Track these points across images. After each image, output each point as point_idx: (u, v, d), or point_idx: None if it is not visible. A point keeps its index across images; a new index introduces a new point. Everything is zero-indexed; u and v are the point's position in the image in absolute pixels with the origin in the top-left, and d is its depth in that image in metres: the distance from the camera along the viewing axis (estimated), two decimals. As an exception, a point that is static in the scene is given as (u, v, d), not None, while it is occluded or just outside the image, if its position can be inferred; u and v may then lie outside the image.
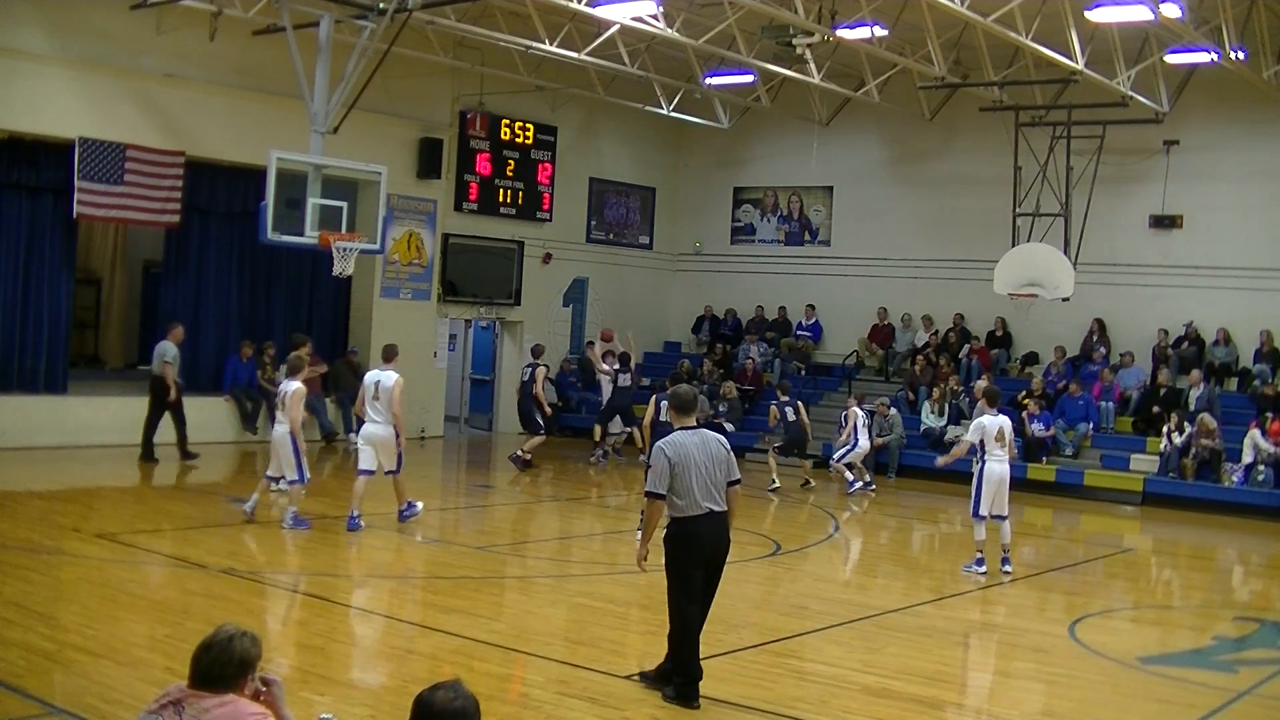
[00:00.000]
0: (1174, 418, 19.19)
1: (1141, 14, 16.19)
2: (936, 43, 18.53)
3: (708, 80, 22.38)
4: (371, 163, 17.29)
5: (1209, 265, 21.25)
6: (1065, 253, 20.23)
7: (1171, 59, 19.27)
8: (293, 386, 12.94)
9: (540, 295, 25.01)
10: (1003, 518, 12.59)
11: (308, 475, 13.13)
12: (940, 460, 14.49)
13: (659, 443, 7.77)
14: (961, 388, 21.78)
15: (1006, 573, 12.59)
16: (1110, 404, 20.69)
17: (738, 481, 7.84)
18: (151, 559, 11.29)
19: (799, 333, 25.49)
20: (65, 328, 18.99)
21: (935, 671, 8.87)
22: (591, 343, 23.90)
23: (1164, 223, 21.76)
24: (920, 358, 23.26)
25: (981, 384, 18.61)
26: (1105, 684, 8.81)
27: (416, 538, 13.27)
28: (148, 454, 17.39)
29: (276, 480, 14.79)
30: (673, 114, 24.27)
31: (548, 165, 24.64)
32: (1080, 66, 17.73)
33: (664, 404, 14.24)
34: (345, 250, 16.49)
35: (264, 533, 13.11)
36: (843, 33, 17.44)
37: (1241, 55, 18.14)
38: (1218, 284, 21.14)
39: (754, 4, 16.56)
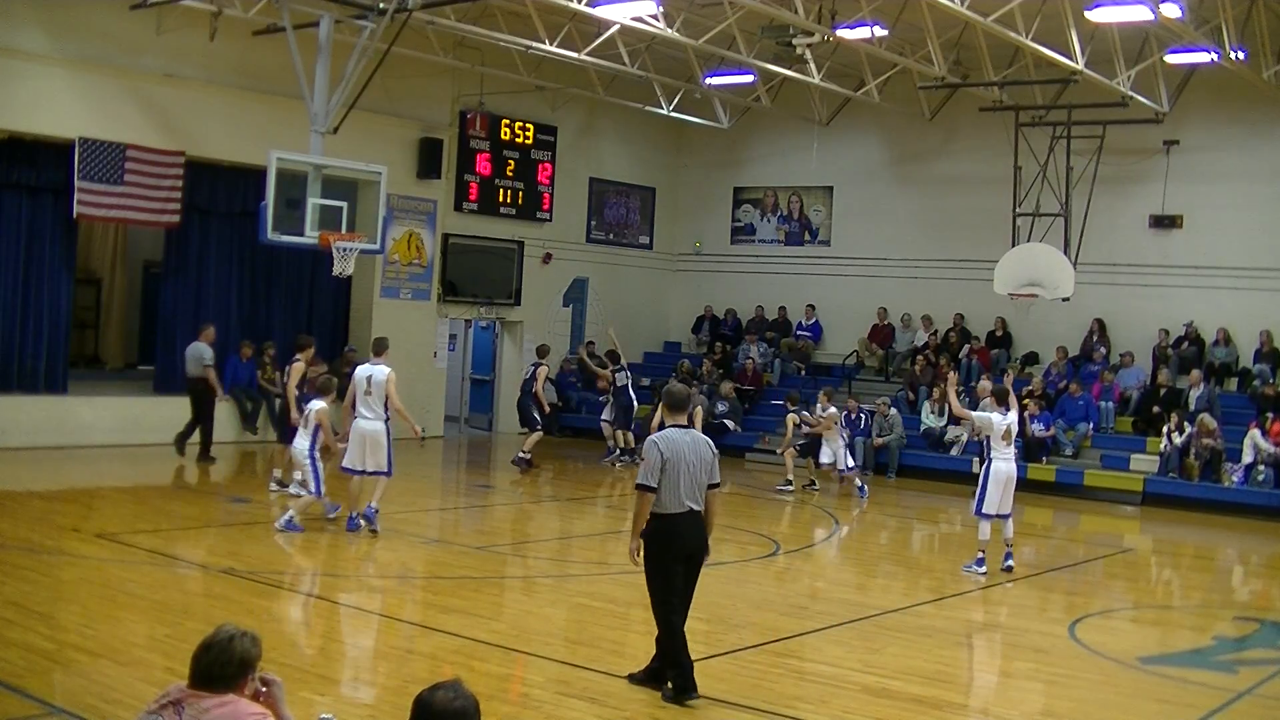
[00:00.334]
0: (1174, 418, 19.19)
1: (1141, 14, 16.20)
2: (936, 43, 18.53)
3: (708, 80, 22.38)
4: (371, 163, 17.28)
5: (1209, 265, 21.25)
6: (1065, 253, 20.23)
7: (1171, 59, 19.27)
8: (317, 406, 12.86)
9: (540, 295, 25.01)
10: (1006, 516, 12.61)
11: (323, 490, 13.04)
12: (953, 407, 14.43)
13: (652, 437, 7.84)
14: (961, 388, 21.76)
15: (1008, 568, 12.62)
16: (1110, 404, 20.69)
17: (718, 485, 7.92)
18: (151, 559, 11.28)
19: (799, 333, 25.49)
20: (65, 328, 18.99)
21: (935, 671, 8.87)
22: (591, 342, 23.91)
23: (1164, 223, 21.76)
24: (920, 358, 23.26)
25: (985, 384, 18.63)
26: (1105, 684, 8.81)
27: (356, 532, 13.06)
28: (205, 454, 17.80)
29: (283, 485, 14.88)
30: (673, 114, 24.27)
31: (548, 165, 24.64)
32: (1080, 66, 17.73)
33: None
34: (345, 250, 16.49)
35: (264, 533, 13.11)
36: (843, 33, 17.44)
37: (1241, 55, 18.14)
38: (1218, 284, 21.15)
39: (754, 4, 16.57)
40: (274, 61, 18.41)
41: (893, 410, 21.38)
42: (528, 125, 24.22)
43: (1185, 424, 19.04)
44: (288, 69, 16.92)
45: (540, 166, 24.52)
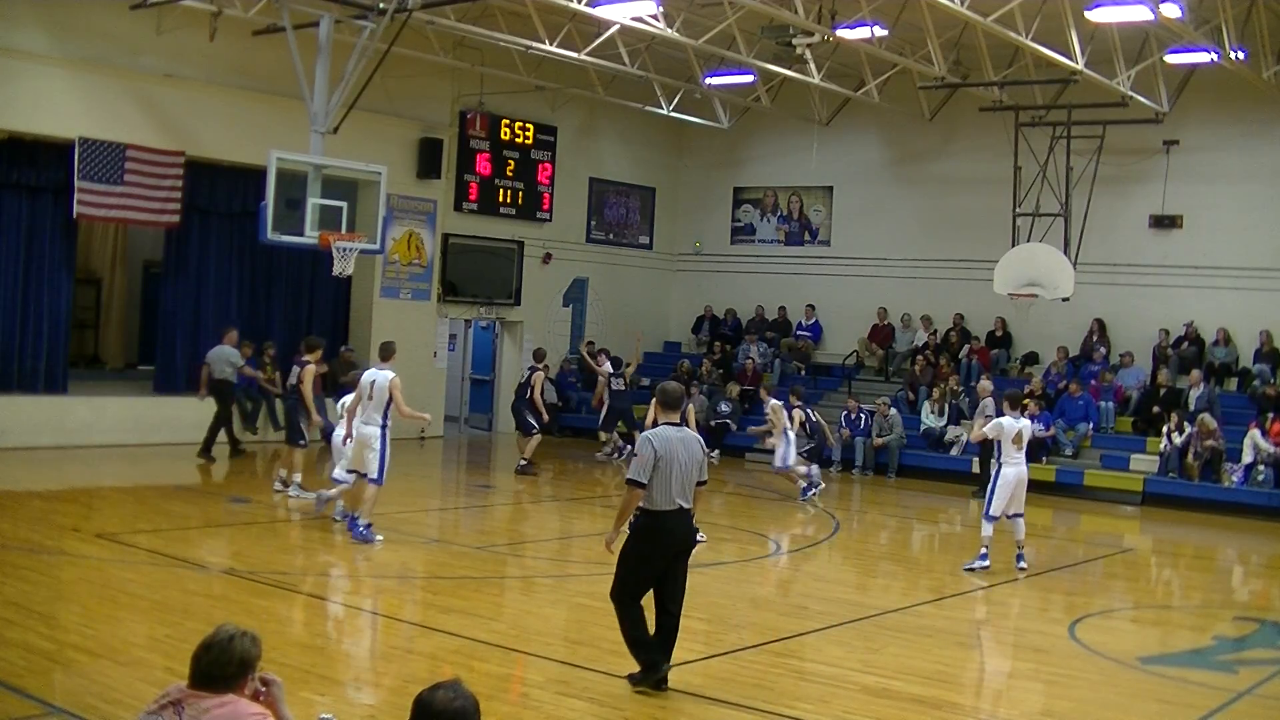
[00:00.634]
0: (1174, 418, 19.19)
1: (1141, 14, 16.20)
2: (936, 43, 18.53)
3: (708, 80, 22.38)
4: (371, 163, 17.30)
5: (1209, 265, 21.25)
6: (1065, 253, 20.23)
7: (1171, 59, 19.27)
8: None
9: (540, 295, 25.02)
10: (1015, 516, 12.76)
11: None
12: (971, 437, 14.49)
13: (646, 434, 7.89)
14: (961, 388, 21.79)
15: (1021, 569, 12.71)
16: (1110, 404, 20.69)
17: (704, 483, 8.07)
18: (151, 559, 11.28)
19: (799, 333, 25.49)
20: (65, 328, 18.99)
21: (935, 671, 8.86)
22: (591, 342, 23.92)
23: (1164, 223, 21.76)
24: (920, 358, 23.27)
25: (986, 385, 18.69)
26: (1105, 684, 8.81)
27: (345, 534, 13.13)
28: (235, 449, 18.44)
29: (287, 485, 14.90)
30: (673, 114, 24.27)
31: (548, 165, 24.65)
32: (1080, 66, 17.73)
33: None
34: (345, 250, 16.49)
35: (264, 533, 13.13)
36: (843, 33, 17.44)
37: (1241, 55, 18.14)
38: (1218, 284, 21.15)
39: (754, 4, 16.56)
40: (274, 61, 18.41)
41: (893, 410, 21.38)
42: (528, 125, 24.22)
43: (1185, 424, 19.04)
44: (288, 69, 16.93)
45: (540, 166, 24.52)
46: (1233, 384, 20.95)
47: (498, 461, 19.38)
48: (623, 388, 20.97)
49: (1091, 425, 20.47)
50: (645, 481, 7.65)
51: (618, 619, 7.95)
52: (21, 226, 18.24)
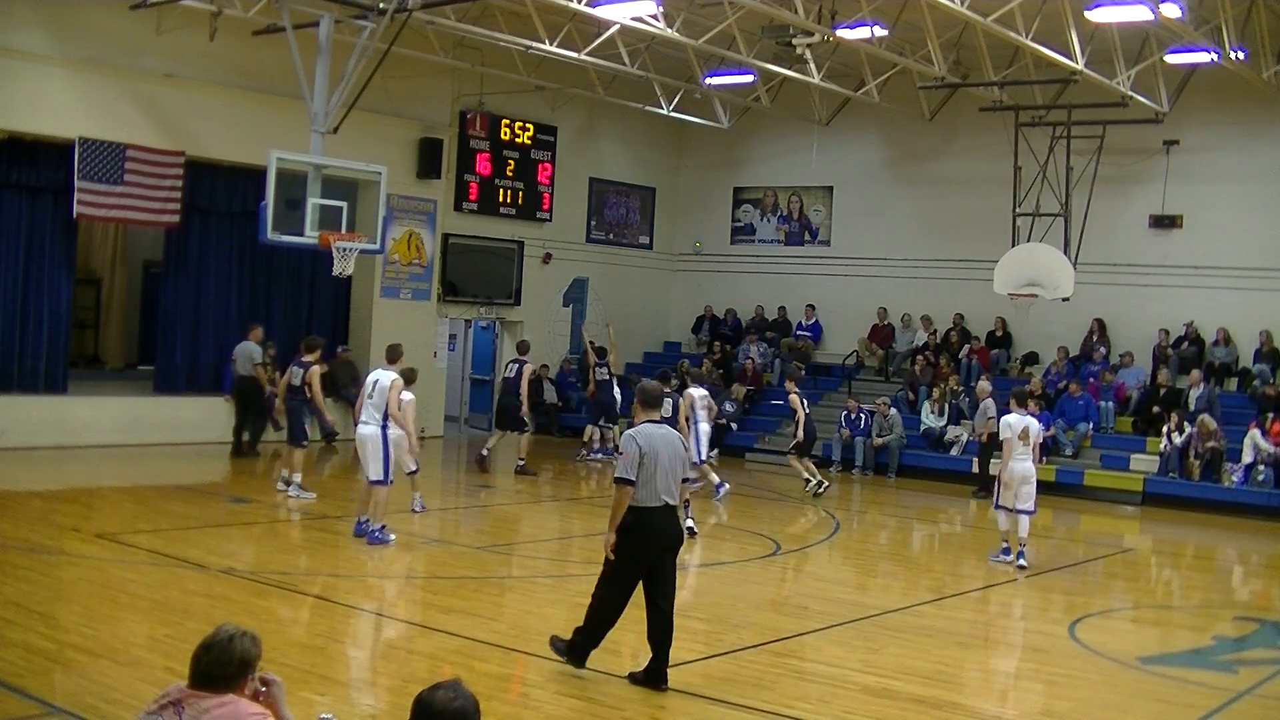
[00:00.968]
0: (1174, 418, 19.19)
1: (1141, 14, 16.20)
2: (936, 43, 18.53)
3: (708, 80, 22.38)
4: (371, 163, 17.29)
5: (1209, 265, 21.25)
6: (1065, 253, 20.23)
7: (1171, 59, 19.27)
8: (409, 396, 13.28)
9: (540, 295, 25.02)
10: (1029, 512, 12.95)
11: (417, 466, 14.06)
12: (995, 469, 14.32)
13: (630, 431, 7.96)
14: (961, 388, 21.80)
15: (1021, 567, 12.82)
16: (1110, 404, 20.69)
17: (689, 480, 8.31)
18: (151, 559, 11.28)
19: (799, 333, 25.49)
20: (65, 328, 18.99)
21: (935, 671, 8.87)
22: (592, 341, 23.91)
23: (1164, 223, 21.76)
24: (920, 358, 23.26)
25: (985, 386, 18.71)
26: (1105, 684, 8.81)
27: (386, 541, 13.17)
28: (238, 450, 18.55)
29: (289, 484, 14.93)
30: (673, 114, 24.27)
31: (548, 165, 24.65)
32: (1080, 66, 17.73)
33: (668, 402, 14.27)
34: (345, 250, 16.49)
35: (264, 533, 13.14)
36: (843, 33, 17.44)
37: (1241, 55, 18.14)
38: (1218, 284, 21.14)
39: (754, 4, 16.56)
40: (274, 61, 18.41)
41: (893, 410, 21.39)
42: (528, 125, 24.22)
43: (1185, 424, 19.04)
44: (288, 69, 16.93)
45: (540, 166, 24.53)
46: (1233, 384, 20.95)
47: (498, 462, 19.36)
48: (607, 377, 20.91)
49: (1091, 425, 20.47)
50: (634, 479, 7.71)
51: (592, 601, 8.03)
52: (21, 226, 18.24)
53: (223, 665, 4.18)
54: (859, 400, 21.83)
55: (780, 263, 26.38)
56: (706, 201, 27.49)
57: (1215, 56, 17.94)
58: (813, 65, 20.18)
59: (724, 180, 27.22)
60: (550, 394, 24.66)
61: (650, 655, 7.95)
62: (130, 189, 18.38)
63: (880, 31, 18.16)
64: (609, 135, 26.38)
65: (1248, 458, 18.55)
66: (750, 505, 17.38)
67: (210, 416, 19.73)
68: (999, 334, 23.25)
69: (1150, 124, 20.48)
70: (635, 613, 10.12)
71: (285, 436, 16.06)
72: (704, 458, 16.32)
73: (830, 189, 25.92)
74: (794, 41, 17.25)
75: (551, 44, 19.40)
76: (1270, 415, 18.85)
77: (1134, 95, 19.14)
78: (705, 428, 16.06)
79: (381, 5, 16.54)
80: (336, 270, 16.75)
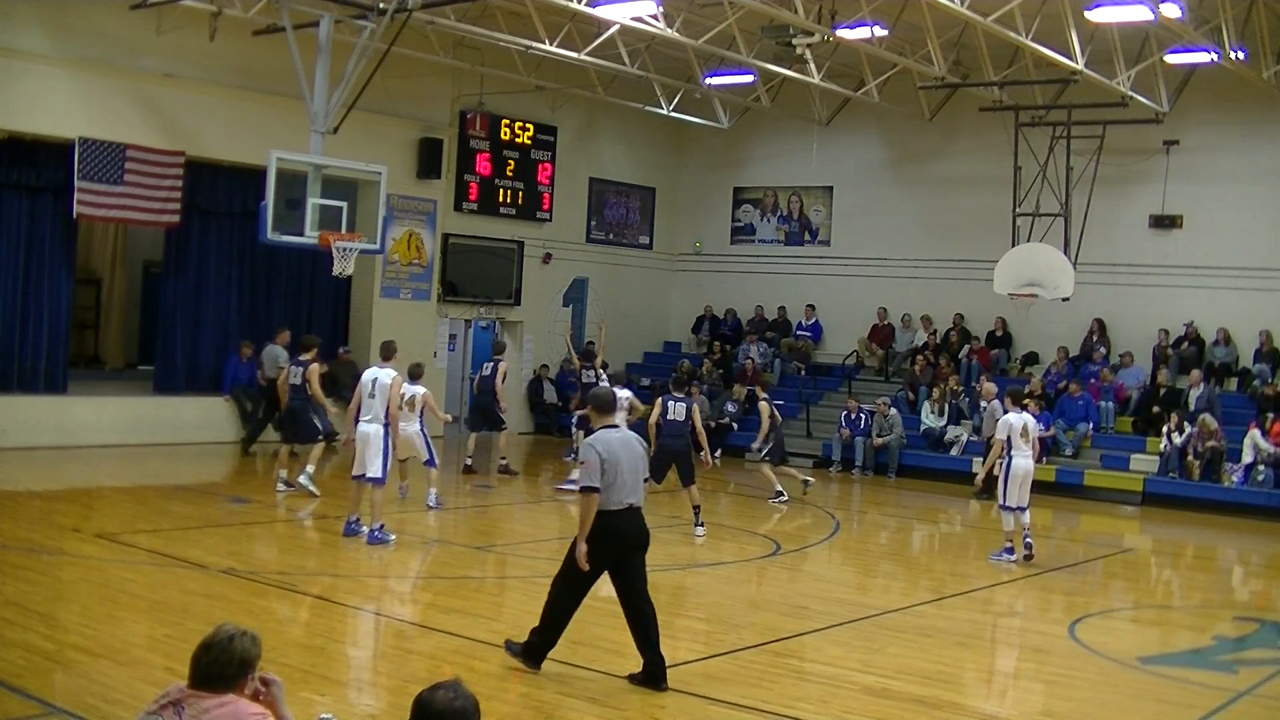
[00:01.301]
0: (1174, 418, 19.19)
1: (1141, 14, 16.20)
2: (936, 43, 18.53)
3: (708, 80, 22.38)
4: (371, 163, 17.30)
5: (1209, 265, 21.25)
6: (1065, 253, 20.23)
7: (1171, 59, 19.27)
8: (421, 390, 13.73)
9: (540, 295, 25.02)
10: (1024, 508, 13.24)
11: (437, 460, 14.63)
12: (981, 470, 14.83)
13: (589, 440, 8.08)
14: (961, 388, 21.80)
15: (1012, 561, 13.08)
16: (1110, 404, 20.69)
17: (648, 480, 8.47)
18: (151, 559, 11.29)
19: (799, 333, 25.49)
20: (65, 328, 18.99)
21: (935, 671, 8.87)
22: (592, 342, 23.88)
23: (1164, 223, 21.76)
24: (920, 358, 23.26)
25: (990, 387, 18.71)
26: (1105, 684, 8.81)
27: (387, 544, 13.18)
28: (246, 449, 18.92)
29: (290, 485, 14.97)
30: (673, 114, 24.27)
31: (548, 165, 24.65)
32: (1080, 66, 17.73)
33: (670, 404, 14.26)
34: (345, 250, 16.49)
35: (264, 533, 13.14)
36: (843, 33, 17.44)
37: (1241, 55, 18.14)
38: (1218, 284, 21.15)
39: (754, 4, 16.56)
40: (274, 61, 18.40)
41: (893, 410, 21.39)
42: (528, 125, 24.22)
43: (1185, 424, 19.04)
44: (288, 69, 16.92)
45: (540, 166, 24.53)
46: (1233, 384, 20.96)
47: (497, 461, 19.35)
48: (594, 379, 20.83)
49: (1091, 425, 20.47)
50: (599, 486, 7.84)
51: (548, 599, 8.12)
52: (21, 226, 18.24)
53: (223, 665, 4.18)
54: (859, 400, 21.84)
55: (780, 263, 26.38)
56: (706, 201, 27.48)
57: (1215, 56, 17.94)
58: (813, 65, 20.18)
59: (724, 180, 27.22)
60: (550, 394, 24.66)
61: (645, 662, 7.95)
62: (130, 189, 18.38)
63: (880, 31, 18.16)
64: (609, 135, 26.38)
65: (1248, 458, 18.55)
66: (750, 505, 17.37)
67: (210, 417, 19.73)
68: (999, 334, 23.26)
69: (1150, 124, 20.48)
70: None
71: (283, 437, 16.08)
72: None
73: (830, 189, 25.92)
74: (794, 41, 17.26)
75: (551, 44, 19.40)
76: (1270, 415, 18.86)
77: (1134, 95, 19.15)
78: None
79: (381, 5, 16.54)
80: (336, 270, 16.76)
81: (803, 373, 24.52)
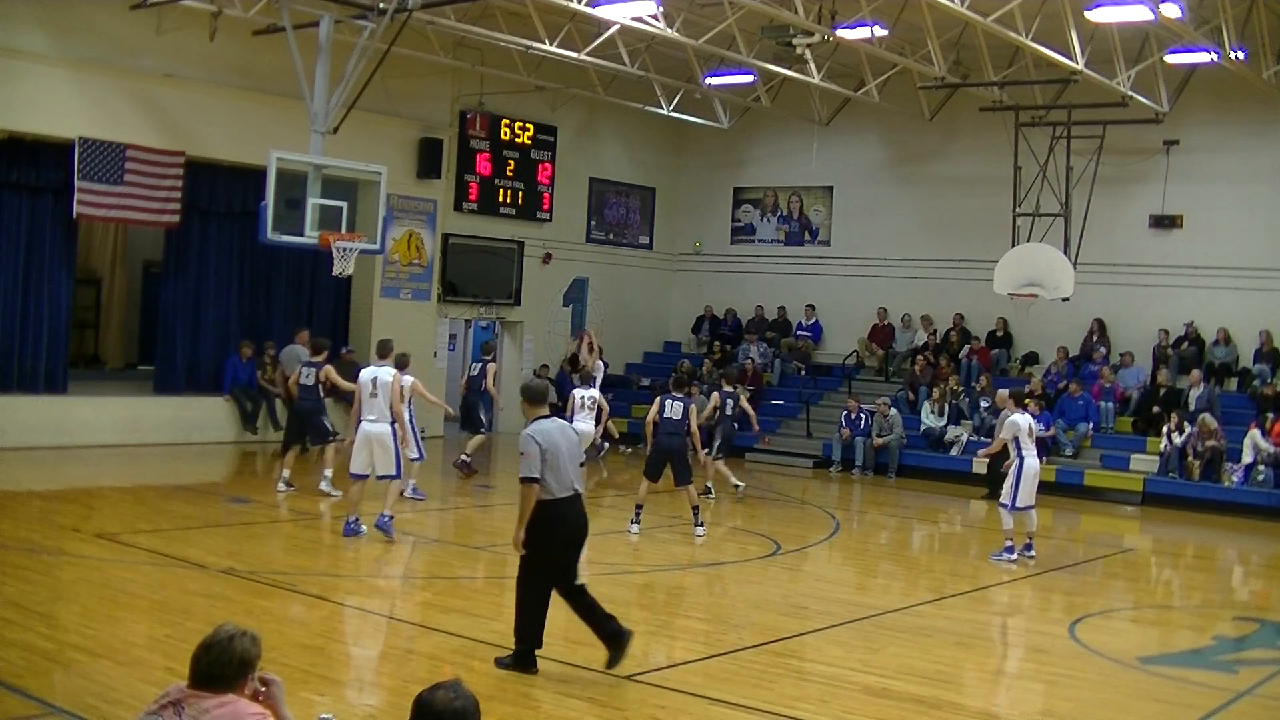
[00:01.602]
0: (1174, 418, 19.19)
1: (1141, 14, 16.20)
2: (936, 43, 18.53)
3: (708, 80, 22.38)
4: (371, 163, 17.30)
5: (1209, 265, 21.25)
6: (1065, 253, 20.23)
7: (1171, 59, 19.27)
8: (411, 379, 13.92)
9: (540, 295, 25.02)
10: (1030, 508, 13.28)
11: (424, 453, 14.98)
12: (981, 453, 15.02)
13: (528, 430, 8.18)
14: (961, 388, 21.80)
15: (1031, 557, 13.12)
16: (1110, 404, 20.69)
17: (583, 464, 8.75)
18: (151, 559, 11.28)
19: (799, 333, 25.49)
20: (65, 328, 18.99)
21: (935, 671, 8.86)
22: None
23: (1164, 223, 21.76)
24: (920, 358, 23.26)
25: (1003, 394, 18.67)
26: (1105, 684, 8.81)
27: (401, 537, 13.23)
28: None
29: (290, 485, 14.98)
30: (673, 114, 24.27)
31: (548, 165, 24.65)
32: (1080, 66, 17.73)
33: (668, 403, 14.25)
34: (345, 250, 16.50)
35: (264, 533, 13.14)
36: (843, 33, 17.44)
37: (1241, 55, 18.14)
38: (1218, 284, 21.15)
39: (754, 4, 16.57)
40: (274, 61, 18.41)
41: (893, 410, 21.38)
42: (528, 125, 24.22)
43: (1185, 424, 19.04)
44: (288, 69, 16.93)
45: (540, 166, 24.53)
46: (1233, 384, 20.96)
47: (497, 462, 19.35)
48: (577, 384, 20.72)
49: (1091, 425, 20.47)
50: (539, 476, 7.96)
51: (517, 607, 8.19)
52: (21, 226, 18.23)
53: (223, 665, 4.17)
54: (859, 400, 21.83)
55: (780, 263, 26.38)
56: (706, 201, 27.48)
57: (1215, 56, 17.94)
58: (813, 65, 20.18)
59: (724, 180, 27.22)
60: (550, 394, 24.59)
61: (604, 635, 8.13)
62: (130, 189, 18.38)
63: (880, 31, 18.16)
64: (609, 135, 26.38)
65: (1248, 458, 18.56)
66: (750, 505, 17.37)
67: (210, 417, 19.73)
68: (999, 334, 23.26)
69: (1150, 124, 20.48)
70: (638, 612, 10.16)
71: (282, 437, 16.11)
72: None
73: (830, 189, 25.92)
74: (794, 41, 17.25)
75: (551, 44, 19.40)
76: (1270, 415, 18.86)
77: (1134, 95, 19.15)
78: (582, 427, 15.89)
79: (381, 5, 16.54)
80: (336, 270, 16.76)
81: (803, 373, 24.52)
